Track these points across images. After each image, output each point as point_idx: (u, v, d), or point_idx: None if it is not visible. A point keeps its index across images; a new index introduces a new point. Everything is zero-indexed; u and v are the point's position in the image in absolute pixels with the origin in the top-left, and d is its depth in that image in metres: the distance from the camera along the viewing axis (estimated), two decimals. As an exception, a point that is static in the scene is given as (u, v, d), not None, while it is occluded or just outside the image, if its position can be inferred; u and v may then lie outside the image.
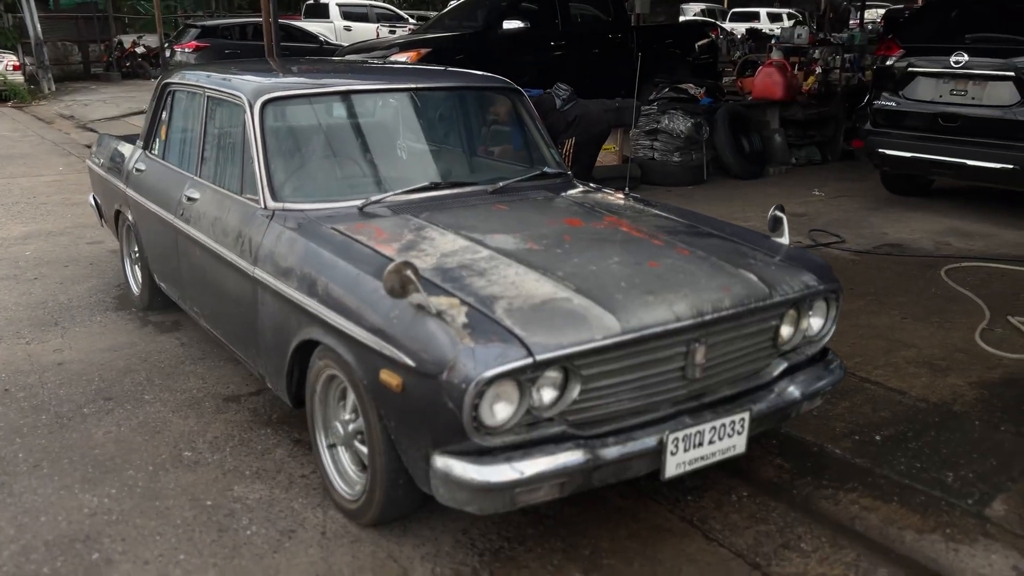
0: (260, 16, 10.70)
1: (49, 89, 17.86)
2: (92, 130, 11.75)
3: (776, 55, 9.89)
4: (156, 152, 4.28)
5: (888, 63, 6.88)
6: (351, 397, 2.64)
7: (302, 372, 2.87)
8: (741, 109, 8.77)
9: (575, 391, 2.30)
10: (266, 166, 3.18)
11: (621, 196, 3.57)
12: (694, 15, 27.22)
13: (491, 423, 2.20)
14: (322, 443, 2.88)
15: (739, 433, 2.56)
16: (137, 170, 4.36)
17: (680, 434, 2.43)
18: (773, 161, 8.80)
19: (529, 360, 2.17)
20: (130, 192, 4.39)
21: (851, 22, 20.24)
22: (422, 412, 2.26)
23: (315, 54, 15.12)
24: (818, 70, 9.89)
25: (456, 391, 2.14)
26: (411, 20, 22.45)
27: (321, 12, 21.53)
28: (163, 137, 4.25)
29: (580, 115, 7.11)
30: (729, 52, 18.08)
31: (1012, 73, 6.03)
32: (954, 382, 3.77)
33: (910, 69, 6.68)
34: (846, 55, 10.53)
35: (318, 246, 2.79)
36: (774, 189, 7.92)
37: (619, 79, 9.26)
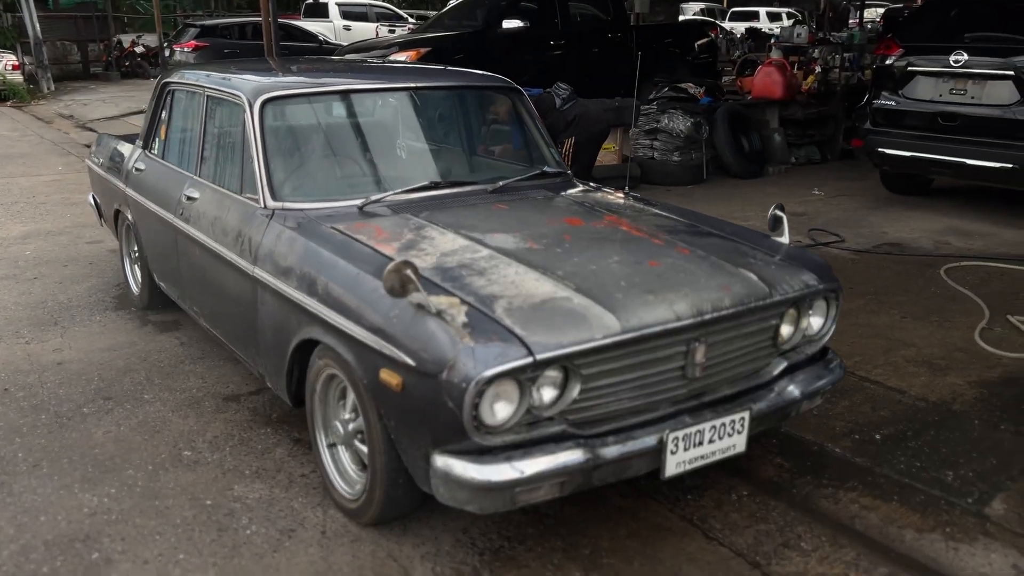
0: (259, 16, 10.69)
1: (48, 89, 17.85)
2: (91, 129, 11.74)
3: (775, 54, 9.89)
4: (156, 151, 4.28)
5: (888, 62, 6.88)
6: (351, 396, 2.64)
7: (302, 371, 2.87)
8: (741, 108, 8.77)
9: (575, 390, 2.30)
10: (266, 165, 3.18)
11: (621, 195, 3.57)
12: (693, 14, 27.21)
13: (491, 422, 2.20)
14: (322, 442, 2.88)
15: (739, 432, 2.56)
16: (136, 169, 4.36)
17: (680, 433, 2.43)
18: (773, 160, 8.80)
19: (529, 359, 2.17)
20: (129, 191, 4.39)
21: (850, 21, 20.23)
22: (422, 411, 2.26)
23: (314, 54, 15.11)
24: (817, 69, 9.90)
25: (456, 390, 2.14)
26: (410, 19, 22.44)
27: (320, 11, 21.53)
28: (163, 136, 4.25)
29: (580, 114, 7.10)
30: (728, 51, 18.09)
31: (1012, 72, 6.03)
32: (953, 381, 3.78)
33: (910, 68, 6.68)
34: (845, 54, 10.53)
35: (318, 245, 2.79)
36: (773, 188, 7.92)
37: (618, 78, 9.26)
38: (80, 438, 3.30)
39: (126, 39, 22.70)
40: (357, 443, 2.69)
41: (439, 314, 2.24)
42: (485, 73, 4.03)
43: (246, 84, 3.44)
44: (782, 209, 3.08)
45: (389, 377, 2.32)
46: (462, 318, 2.24)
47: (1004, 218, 6.63)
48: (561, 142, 6.86)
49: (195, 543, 2.65)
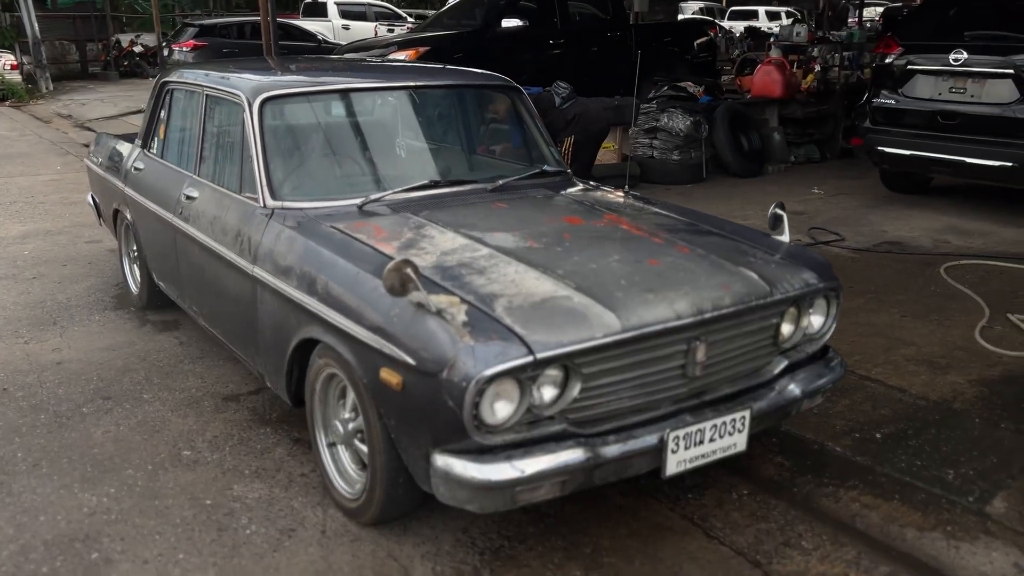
0: (258, 15, 10.69)
1: (47, 88, 17.82)
2: (90, 129, 11.73)
3: (775, 53, 9.89)
4: (155, 151, 4.27)
5: (887, 61, 6.88)
6: (351, 396, 2.64)
7: (301, 371, 2.87)
8: (740, 107, 8.77)
9: (576, 389, 2.30)
10: (265, 164, 3.17)
11: (621, 194, 3.57)
12: (693, 13, 27.20)
13: (491, 421, 2.20)
14: (322, 442, 2.87)
15: (740, 431, 2.56)
16: (136, 169, 4.35)
17: (681, 432, 2.43)
18: (772, 159, 8.79)
19: (529, 358, 2.16)
20: (128, 191, 4.38)
21: (850, 20, 20.22)
22: (422, 410, 2.26)
23: (313, 53, 15.10)
24: (817, 68, 9.88)
25: (456, 389, 2.13)
26: (409, 19, 22.43)
27: (319, 11, 21.50)
28: (162, 136, 4.25)
29: (579, 113, 7.10)
30: (728, 50, 18.09)
31: (1011, 71, 6.02)
32: (954, 380, 3.77)
33: (909, 67, 6.68)
34: (845, 53, 10.51)
35: (317, 244, 2.78)
36: (773, 187, 7.92)
37: (618, 77, 9.26)
38: (79, 438, 3.30)
39: (124, 39, 22.67)
40: (357, 442, 2.68)
41: (439, 313, 2.24)
42: (485, 72, 4.03)
43: (245, 83, 3.43)
44: (782, 207, 3.08)
45: (389, 376, 2.32)
46: (462, 317, 2.24)
47: (1004, 216, 6.63)
48: (560, 141, 6.86)
49: (195, 543, 2.64)
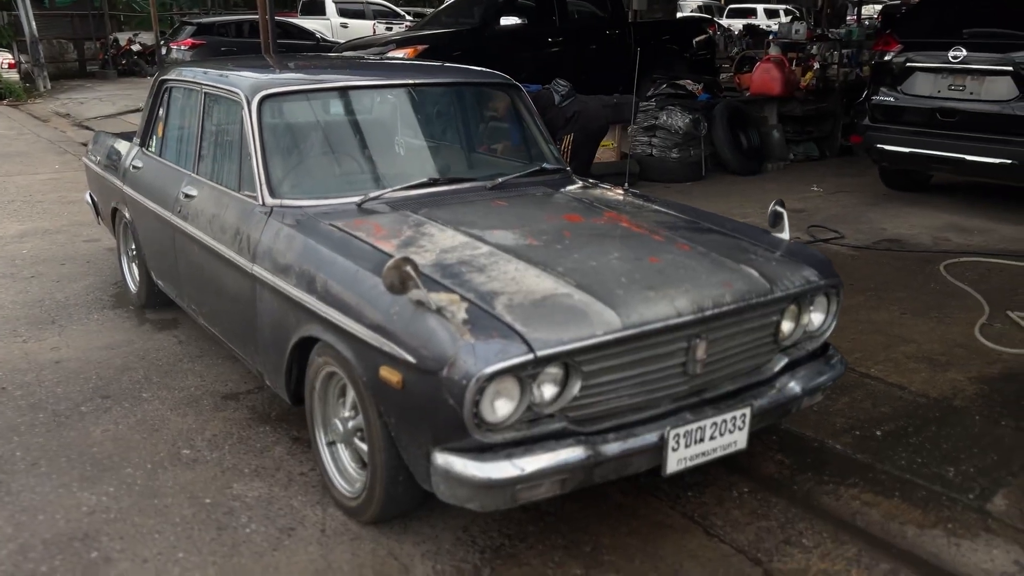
0: (256, 13, 10.67)
1: (45, 87, 17.79)
2: (88, 128, 11.71)
3: (774, 51, 9.89)
4: (153, 149, 4.26)
5: (886, 58, 6.88)
6: (351, 394, 2.63)
7: (301, 369, 2.86)
8: (739, 105, 8.76)
9: (576, 387, 2.30)
10: (264, 162, 3.16)
11: (620, 192, 3.56)
12: (691, 11, 27.18)
13: (492, 419, 2.19)
14: (321, 440, 2.86)
15: (740, 429, 2.55)
16: (134, 167, 4.34)
17: (681, 430, 2.43)
18: (771, 157, 8.79)
19: (530, 356, 2.16)
20: (127, 189, 4.37)
21: (848, 17, 20.21)
22: (422, 409, 2.25)
23: (312, 51, 15.08)
24: (816, 66, 9.87)
25: (457, 387, 2.13)
26: (408, 17, 22.40)
27: (317, 9, 21.46)
28: (160, 134, 4.24)
29: (578, 111, 7.09)
30: (727, 48, 18.07)
31: (1010, 68, 6.02)
32: (954, 377, 3.77)
33: (908, 64, 6.67)
34: (844, 51, 10.51)
35: (317, 242, 2.78)
36: (772, 185, 7.91)
37: (617, 75, 9.25)
38: (78, 437, 3.29)
39: (123, 37, 22.64)
40: (357, 441, 2.68)
41: (439, 311, 2.23)
42: (484, 70, 4.02)
43: (244, 81, 3.42)
44: (782, 205, 3.07)
45: (389, 374, 2.31)
46: (462, 315, 2.23)
47: (1003, 214, 6.63)
48: (560, 138, 6.85)
49: (194, 541, 2.64)
